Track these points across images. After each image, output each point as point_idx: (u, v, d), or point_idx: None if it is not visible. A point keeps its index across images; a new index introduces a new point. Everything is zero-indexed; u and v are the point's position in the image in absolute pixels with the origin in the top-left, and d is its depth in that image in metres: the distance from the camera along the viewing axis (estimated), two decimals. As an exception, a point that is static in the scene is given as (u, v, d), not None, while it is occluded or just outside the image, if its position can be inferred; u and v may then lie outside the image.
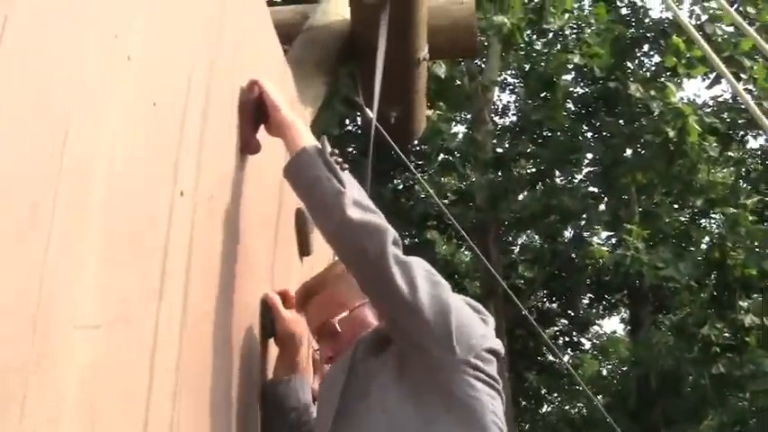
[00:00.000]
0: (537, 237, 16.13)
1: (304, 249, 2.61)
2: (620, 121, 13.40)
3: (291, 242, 2.53)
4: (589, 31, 14.54)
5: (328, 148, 1.89)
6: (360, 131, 13.16)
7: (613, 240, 14.33)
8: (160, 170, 1.47)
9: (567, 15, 14.03)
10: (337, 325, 1.97)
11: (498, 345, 1.86)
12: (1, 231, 0.99)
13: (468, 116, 15.23)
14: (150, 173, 1.43)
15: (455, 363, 1.76)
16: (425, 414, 1.74)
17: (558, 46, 14.79)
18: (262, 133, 2.05)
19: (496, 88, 15.27)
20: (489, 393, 1.79)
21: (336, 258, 2.09)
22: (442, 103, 12.43)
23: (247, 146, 2.01)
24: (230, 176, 1.90)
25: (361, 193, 1.88)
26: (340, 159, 1.88)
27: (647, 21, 14.38)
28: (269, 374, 2.14)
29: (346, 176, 1.86)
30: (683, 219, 14.54)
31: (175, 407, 1.48)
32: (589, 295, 17.06)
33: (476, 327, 1.83)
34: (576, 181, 14.81)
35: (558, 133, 14.10)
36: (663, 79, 12.62)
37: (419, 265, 1.83)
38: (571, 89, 14.53)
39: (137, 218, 1.37)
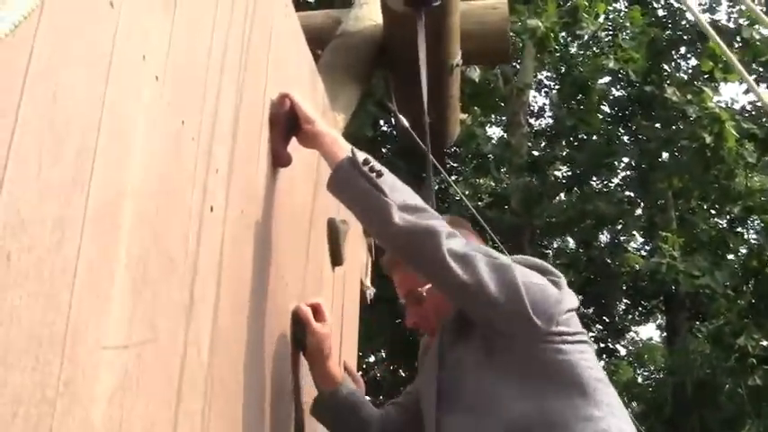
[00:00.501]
0: (572, 241, 16.00)
1: (336, 259, 2.60)
2: (657, 125, 13.24)
3: (323, 252, 2.52)
4: (623, 35, 14.39)
5: (360, 158, 1.87)
6: (394, 133, 13.13)
7: (649, 246, 14.17)
8: (189, 187, 1.46)
9: (600, 19, 13.90)
10: (425, 293, 2.03)
11: (573, 301, 1.88)
12: (29, 251, 0.98)
13: (503, 118, 15.15)
14: (179, 189, 1.42)
15: (539, 336, 1.78)
16: (523, 389, 1.76)
17: (594, 49, 14.67)
18: (292, 145, 2.03)
19: (531, 90, 15.17)
20: (579, 349, 1.82)
21: None
22: (476, 107, 12.35)
23: (279, 159, 1.99)
24: (261, 190, 1.89)
25: (405, 193, 1.87)
26: (376, 167, 1.86)
27: (683, 23, 14.23)
28: (302, 388, 2.12)
29: (388, 180, 1.85)
30: (720, 226, 14.33)
31: (204, 425, 1.46)
32: (625, 301, 16.86)
33: (549, 295, 1.83)
34: (612, 185, 14.68)
35: (594, 137, 13.98)
36: (700, 83, 12.46)
37: (478, 252, 1.83)
38: (607, 92, 14.40)
39: (166, 235, 1.36)
